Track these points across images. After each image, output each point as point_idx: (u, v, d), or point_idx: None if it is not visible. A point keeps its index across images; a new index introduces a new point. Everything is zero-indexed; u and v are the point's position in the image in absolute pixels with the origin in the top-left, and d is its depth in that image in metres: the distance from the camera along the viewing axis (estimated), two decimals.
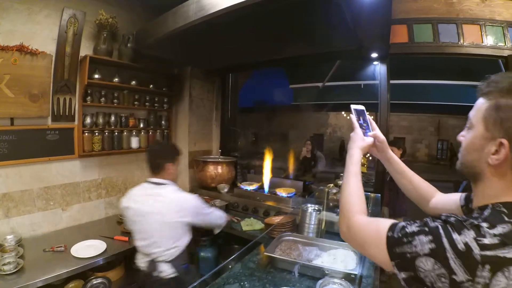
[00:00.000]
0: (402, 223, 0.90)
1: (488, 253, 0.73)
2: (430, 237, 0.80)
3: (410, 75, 9.34)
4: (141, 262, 2.38)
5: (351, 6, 2.13)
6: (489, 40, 3.28)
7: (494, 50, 3.27)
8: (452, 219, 0.82)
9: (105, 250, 2.67)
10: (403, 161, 4.14)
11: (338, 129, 13.01)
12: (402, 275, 0.86)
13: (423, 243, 0.81)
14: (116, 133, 3.53)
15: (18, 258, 2.34)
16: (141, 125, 3.82)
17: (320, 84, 10.78)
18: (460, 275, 0.74)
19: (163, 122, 4.12)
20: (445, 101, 10.21)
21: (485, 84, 0.91)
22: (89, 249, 2.66)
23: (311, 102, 12.75)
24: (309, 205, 2.62)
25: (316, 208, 2.55)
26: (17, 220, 2.84)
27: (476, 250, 0.74)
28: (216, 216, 2.64)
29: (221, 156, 4.25)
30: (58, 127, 3.09)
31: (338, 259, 1.98)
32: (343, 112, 12.63)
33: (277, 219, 2.90)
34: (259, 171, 4.32)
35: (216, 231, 2.74)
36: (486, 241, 0.74)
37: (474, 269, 0.73)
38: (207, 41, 3.06)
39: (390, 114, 3.45)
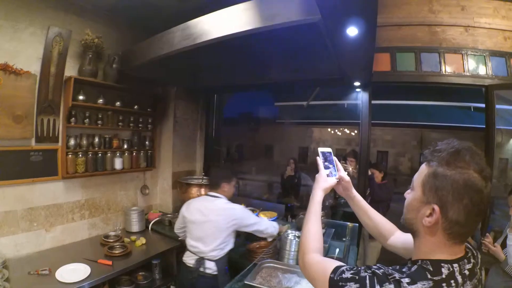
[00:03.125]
0: (343, 268, 1.02)
1: None
2: (357, 285, 0.93)
3: (392, 95, 9.60)
4: (189, 259, 2.78)
5: (335, 42, 2.20)
6: (470, 69, 3.34)
7: (475, 79, 3.35)
8: (380, 271, 0.94)
9: (89, 275, 2.67)
10: (385, 183, 4.21)
11: (322, 143, 13.17)
12: None
13: None
14: (99, 155, 3.52)
15: (4, 281, 2.34)
16: (125, 146, 3.83)
17: (304, 103, 10.97)
18: None
19: (147, 142, 4.13)
20: (427, 121, 10.55)
21: (430, 152, 1.00)
22: (74, 273, 2.66)
23: (296, 120, 12.96)
24: (289, 231, 2.69)
25: (297, 235, 2.60)
26: (1, 241, 2.82)
27: None
28: (263, 225, 2.85)
29: (204, 177, 4.24)
30: (42, 148, 3.07)
31: None
32: (328, 129, 12.94)
33: (258, 245, 2.99)
34: (243, 190, 4.35)
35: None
36: None
37: None
38: (192, 63, 3.09)
39: (371, 134, 3.56)
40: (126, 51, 3.34)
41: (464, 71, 3.35)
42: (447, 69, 3.39)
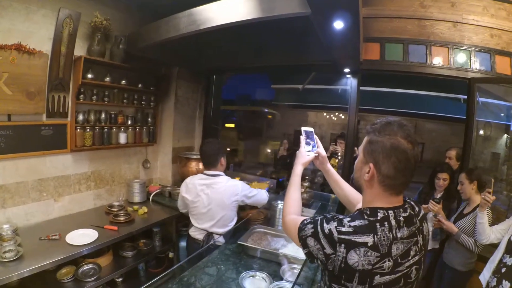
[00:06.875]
0: (307, 219, 1.31)
1: (343, 236, 1.11)
2: (312, 225, 1.22)
3: (385, 83, 9.72)
4: (197, 234, 2.90)
5: (324, 33, 2.41)
6: (455, 63, 3.49)
7: (458, 72, 3.50)
8: (329, 215, 1.22)
9: (97, 238, 2.90)
10: None
11: (318, 127, 13.29)
12: (304, 251, 1.25)
13: (308, 228, 1.22)
14: (106, 130, 3.70)
15: (17, 246, 2.47)
16: (129, 122, 4.01)
17: (300, 86, 11.09)
18: (328, 249, 1.13)
19: (149, 119, 4.31)
20: (422, 110, 10.61)
21: (370, 126, 1.24)
22: (83, 237, 2.87)
23: (291, 103, 13.07)
24: (279, 202, 2.96)
25: None
26: (13, 211, 3.00)
27: (335, 234, 1.12)
28: (259, 197, 2.96)
29: None
30: (52, 123, 3.23)
31: (300, 249, 2.30)
32: (324, 113, 13.00)
33: (250, 213, 3.21)
34: (238, 166, 4.53)
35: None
36: (343, 229, 1.12)
37: (335, 246, 1.11)
38: (194, 46, 3.23)
39: (358, 120, 3.74)
40: (133, 33, 3.47)
41: (449, 64, 3.50)
42: (433, 61, 3.54)
